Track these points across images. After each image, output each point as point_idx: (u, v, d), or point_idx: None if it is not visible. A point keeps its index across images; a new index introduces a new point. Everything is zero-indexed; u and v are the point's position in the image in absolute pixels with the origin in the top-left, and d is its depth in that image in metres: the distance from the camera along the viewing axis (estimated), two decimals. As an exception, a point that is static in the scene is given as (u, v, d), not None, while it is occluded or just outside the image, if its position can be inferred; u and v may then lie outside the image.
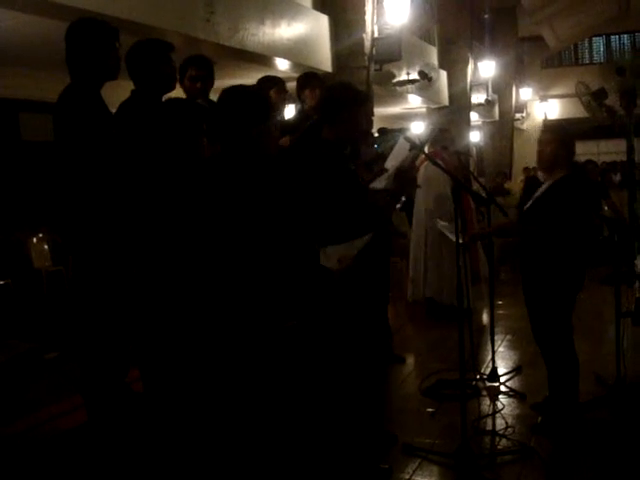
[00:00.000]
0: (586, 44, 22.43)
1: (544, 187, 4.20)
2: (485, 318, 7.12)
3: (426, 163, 6.55)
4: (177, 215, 2.77)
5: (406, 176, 3.56)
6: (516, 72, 19.79)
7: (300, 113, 5.10)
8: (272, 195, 2.70)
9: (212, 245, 2.65)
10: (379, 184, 3.60)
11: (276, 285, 2.64)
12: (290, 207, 2.76)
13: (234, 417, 2.70)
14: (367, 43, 8.75)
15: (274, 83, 4.74)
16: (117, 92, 3.71)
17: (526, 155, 17.81)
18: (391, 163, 3.62)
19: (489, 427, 4.28)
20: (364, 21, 8.68)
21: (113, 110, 3.60)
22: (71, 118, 3.30)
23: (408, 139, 3.61)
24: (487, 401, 4.70)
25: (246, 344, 2.65)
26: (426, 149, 4.61)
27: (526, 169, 16.88)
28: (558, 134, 4.21)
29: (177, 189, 2.80)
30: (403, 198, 4.43)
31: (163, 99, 3.77)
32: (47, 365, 5.50)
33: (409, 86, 11.15)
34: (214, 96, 4.35)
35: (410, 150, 3.57)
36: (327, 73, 8.45)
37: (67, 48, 3.42)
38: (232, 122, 2.69)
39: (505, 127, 19.28)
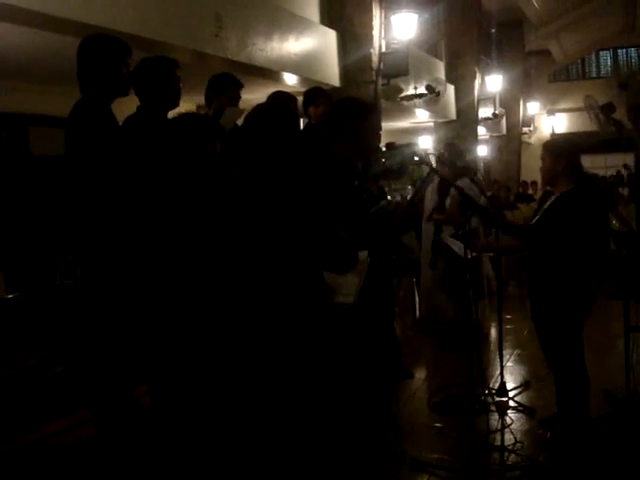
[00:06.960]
0: (593, 58, 22.44)
1: (551, 200, 4.20)
2: (493, 333, 7.09)
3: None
4: (186, 229, 2.78)
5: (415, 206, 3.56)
6: (523, 86, 19.77)
7: (307, 127, 5.10)
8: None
9: (223, 264, 2.67)
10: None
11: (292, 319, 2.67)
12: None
13: (242, 433, 2.70)
14: (375, 58, 8.77)
15: (287, 100, 4.73)
16: (127, 107, 3.73)
17: (534, 169, 17.73)
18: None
19: (498, 442, 4.26)
20: (372, 36, 8.70)
21: (122, 125, 3.62)
22: (81, 133, 3.32)
23: (417, 154, 3.62)
24: (496, 416, 4.67)
25: (255, 360, 2.66)
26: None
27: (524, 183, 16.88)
28: (551, 149, 4.23)
29: (187, 203, 2.81)
30: None
31: (170, 115, 3.79)
32: (55, 379, 5.49)
33: (416, 100, 11.16)
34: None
35: (418, 165, 3.58)
36: (335, 88, 8.46)
37: (79, 63, 3.44)
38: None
39: (512, 141, 19.23)
